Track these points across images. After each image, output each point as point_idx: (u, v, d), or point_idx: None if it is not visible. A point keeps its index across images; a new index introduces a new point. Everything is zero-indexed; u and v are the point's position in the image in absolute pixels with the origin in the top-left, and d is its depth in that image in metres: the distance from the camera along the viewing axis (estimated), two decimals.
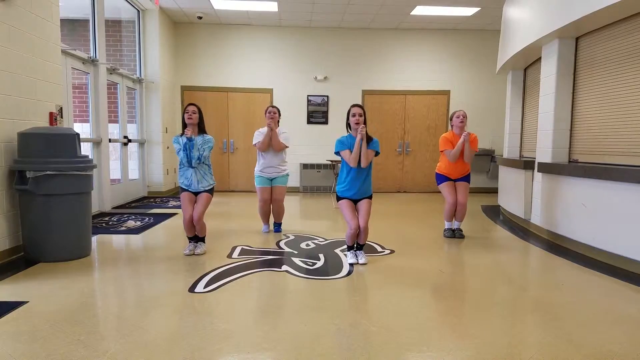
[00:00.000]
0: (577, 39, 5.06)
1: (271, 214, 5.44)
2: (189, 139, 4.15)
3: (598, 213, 4.31)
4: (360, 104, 4.02)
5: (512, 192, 6.49)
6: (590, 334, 2.60)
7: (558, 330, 2.66)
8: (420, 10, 8.34)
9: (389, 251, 4.52)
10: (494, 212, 7.16)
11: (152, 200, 7.98)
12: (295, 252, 4.41)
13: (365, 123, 3.95)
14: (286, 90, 9.61)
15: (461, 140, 4.92)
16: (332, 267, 3.92)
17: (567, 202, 4.80)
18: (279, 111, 5.26)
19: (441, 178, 5.23)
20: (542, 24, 5.20)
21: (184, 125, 4.26)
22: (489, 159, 9.74)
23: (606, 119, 4.59)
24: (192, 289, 3.28)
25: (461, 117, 5.06)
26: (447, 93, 9.77)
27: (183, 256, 4.24)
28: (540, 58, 5.74)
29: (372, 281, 3.61)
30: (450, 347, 2.42)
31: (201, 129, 4.32)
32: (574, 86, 5.14)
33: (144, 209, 6.98)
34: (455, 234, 5.24)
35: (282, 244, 4.78)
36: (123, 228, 5.49)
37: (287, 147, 5.22)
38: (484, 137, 9.92)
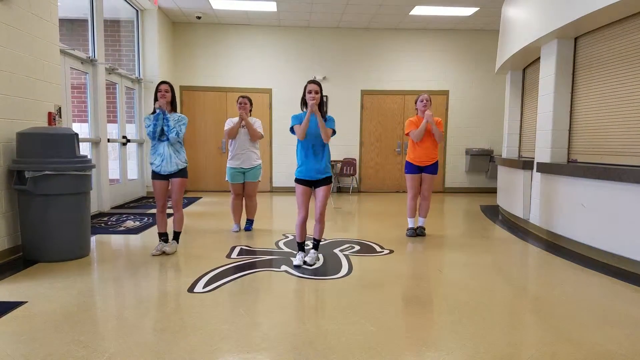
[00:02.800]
0: (575, 39, 5.07)
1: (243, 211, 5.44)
2: (163, 112, 4.11)
3: (597, 213, 4.31)
4: (318, 80, 3.97)
5: (511, 192, 6.50)
6: (589, 334, 2.61)
7: (557, 329, 2.66)
8: (419, 10, 8.35)
9: (388, 251, 4.52)
10: (493, 212, 7.17)
11: (150, 200, 7.97)
12: (294, 252, 4.41)
13: (321, 102, 3.89)
14: (285, 90, 9.60)
15: (424, 121, 4.95)
16: (330, 267, 3.92)
17: (566, 202, 4.81)
18: (250, 101, 5.26)
19: (408, 167, 5.21)
20: (540, 24, 5.20)
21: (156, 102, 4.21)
22: (487, 159, 9.75)
23: (605, 119, 4.60)
24: (191, 289, 3.28)
25: (424, 100, 5.09)
26: (445, 93, 9.78)
27: (182, 256, 4.23)
28: (539, 58, 5.75)
29: (371, 281, 3.61)
30: (450, 346, 2.43)
31: (173, 108, 4.27)
32: (572, 86, 5.14)
33: (143, 209, 6.98)
34: (416, 231, 5.22)
35: (280, 244, 4.78)
36: (122, 228, 5.48)
37: (262, 136, 5.26)
38: (483, 137, 9.93)
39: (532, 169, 5.66)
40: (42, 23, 4.48)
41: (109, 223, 5.77)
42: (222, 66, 9.54)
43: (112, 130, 7.37)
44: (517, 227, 5.93)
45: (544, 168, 5.19)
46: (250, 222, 5.47)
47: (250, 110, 5.27)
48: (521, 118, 7.08)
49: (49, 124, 4.58)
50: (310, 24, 9.33)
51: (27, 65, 4.26)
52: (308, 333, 2.56)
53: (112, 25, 8.04)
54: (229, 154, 5.24)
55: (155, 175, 4.23)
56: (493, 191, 8.29)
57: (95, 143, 6.51)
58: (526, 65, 6.82)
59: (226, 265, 3.93)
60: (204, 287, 3.32)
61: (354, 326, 2.66)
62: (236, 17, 8.97)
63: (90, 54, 6.43)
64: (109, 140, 6.92)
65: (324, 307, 3.01)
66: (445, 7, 8.15)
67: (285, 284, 3.47)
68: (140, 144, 8.44)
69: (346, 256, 4.28)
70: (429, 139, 5.07)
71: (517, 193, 6.13)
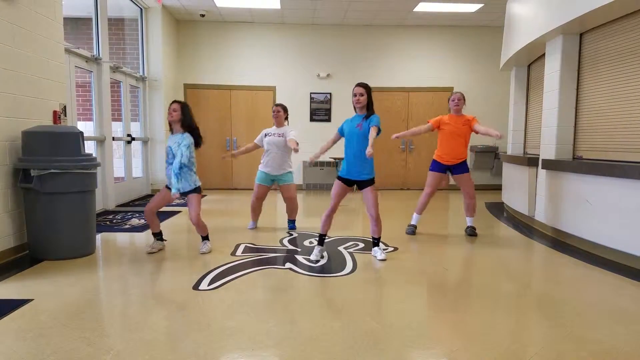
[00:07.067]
0: (581, 34, 5.04)
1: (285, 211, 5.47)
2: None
3: (602, 210, 4.29)
4: (365, 83, 3.99)
5: (516, 189, 6.47)
6: (594, 331, 2.60)
7: (562, 327, 2.65)
8: (423, 7, 8.31)
9: (392, 248, 4.51)
10: (498, 209, 7.14)
11: None
12: (299, 250, 4.42)
13: (370, 102, 3.91)
14: (289, 87, 9.60)
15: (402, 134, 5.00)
16: (335, 265, 3.92)
17: (571, 199, 4.78)
18: (284, 109, 5.21)
19: (433, 164, 5.16)
20: (545, 20, 5.17)
21: (170, 125, 4.13)
22: (492, 156, 9.72)
23: (611, 115, 4.57)
24: (196, 287, 3.29)
25: (456, 99, 5.00)
26: (450, 90, 9.72)
27: (187, 254, 4.24)
28: (544, 54, 5.71)
29: (375, 278, 3.61)
30: (454, 344, 2.42)
31: (185, 127, 4.03)
32: (578, 82, 5.11)
33: None
34: (467, 232, 5.16)
35: (285, 241, 4.78)
36: (127, 226, 5.50)
37: (297, 145, 4.94)
38: None
39: (537, 165, 5.64)
40: (47, 22, 4.50)
41: (114, 221, 5.79)
42: (226, 64, 9.54)
43: (117, 129, 7.39)
44: (522, 224, 5.91)
45: (549, 165, 5.16)
46: (292, 222, 5.43)
47: (286, 118, 5.24)
48: (526, 114, 7.05)
49: (54, 122, 4.59)
50: (314, 21, 9.31)
51: (32, 64, 4.28)
52: (313, 330, 2.57)
53: (116, 24, 8.06)
54: (261, 160, 5.23)
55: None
56: (498, 188, 8.26)
57: (100, 141, 6.53)
58: (531, 61, 6.78)
59: (231, 262, 3.94)
60: (209, 285, 3.33)
61: (358, 323, 2.67)
62: (240, 15, 8.97)
63: (95, 53, 6.44)
64: (113, 139, 6.94)
65: (328, 304, 3.02)
66: (450, 4, 8.11)
67: (289, 282, 3.48)
68: (144, 142, 8.47)
69: (350, 254, 4.28)
70: (456, 138, 4.99)
71: (522, 190, 6.11)
